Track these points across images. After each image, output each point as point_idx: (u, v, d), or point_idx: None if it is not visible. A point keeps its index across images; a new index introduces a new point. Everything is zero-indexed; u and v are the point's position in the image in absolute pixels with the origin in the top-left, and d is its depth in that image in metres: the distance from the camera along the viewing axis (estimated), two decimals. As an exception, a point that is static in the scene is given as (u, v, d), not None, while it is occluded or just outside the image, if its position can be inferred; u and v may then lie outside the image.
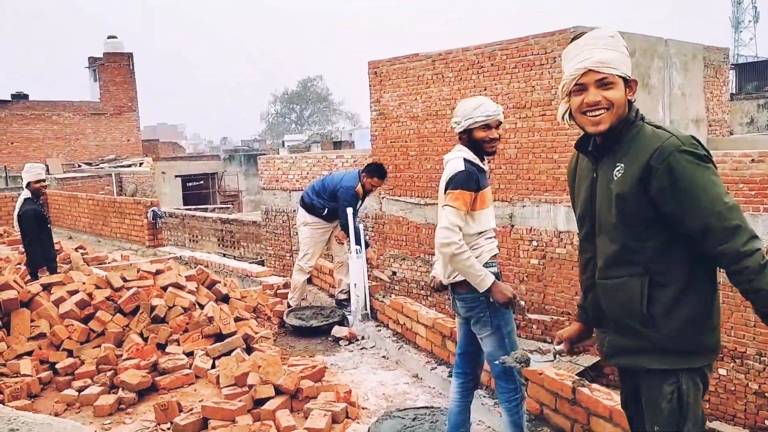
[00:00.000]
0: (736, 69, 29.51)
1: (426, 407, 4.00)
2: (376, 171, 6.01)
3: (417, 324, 5.11)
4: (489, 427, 3.92)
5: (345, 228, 5.99)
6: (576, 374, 9.41)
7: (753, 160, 8.23)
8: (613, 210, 2.08)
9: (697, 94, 13.06)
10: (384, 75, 13.42)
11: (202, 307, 5.68)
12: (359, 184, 6.02)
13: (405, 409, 3.95)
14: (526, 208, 11.01)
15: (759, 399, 8.42)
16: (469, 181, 3.13)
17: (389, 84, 13.32)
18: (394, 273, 13.58)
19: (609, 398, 3.23)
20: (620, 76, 2.06)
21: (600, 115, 2.06)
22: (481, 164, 3.24)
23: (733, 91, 26.06)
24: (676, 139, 1.97)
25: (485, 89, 11.44)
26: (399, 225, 13.38)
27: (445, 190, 3.15)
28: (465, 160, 3.18)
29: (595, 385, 3.43)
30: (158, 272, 6.09)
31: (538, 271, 10.95)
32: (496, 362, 3.03)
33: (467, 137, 3.25)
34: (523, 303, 3.39)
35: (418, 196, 12.85)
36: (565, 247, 10.52)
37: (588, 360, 10.25)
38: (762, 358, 8.32)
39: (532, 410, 3.75)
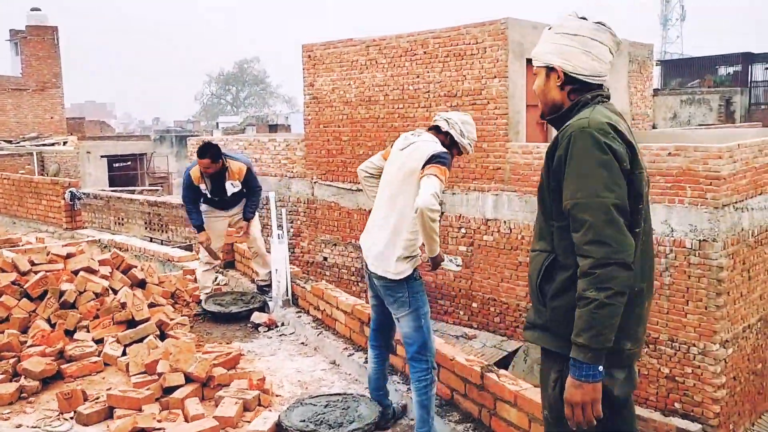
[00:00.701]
0: (662, 65, 30.67)
1: (339, 394, 3.98)
2: (197, 150, 5.64)
3: (336, 310, 5.08)
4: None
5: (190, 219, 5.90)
6: (499, 360, 9.62)
7: (669, 154, 8.55)
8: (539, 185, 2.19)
9: (621, 89, 13.48)
10: (318, 59, 13.26)
11: (115, 292, 5.48)
12: (195, 166, 5.72)
13: (317, 396, 3.93)
14: (456, 195, 11.12)
15: (669, 383, 8.82)
16: (450, 165, 3.33)
17: (323, 68, 13.18)
18: (325, 258, 13.52)
19: (514, 383, 3.29)
20: (541, 66, 2.19)
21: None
22: None
23: (658, 87, 27.09)
24: (587, 120, 2.00)
25: (418, 77, 11.46)
26: (331, 210, 13.30)
27: (430, 162, 3.22)
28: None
29: (502, 371, 3.48)
30: (69, 256, 5.82)
31: (466, 258, 11.10)
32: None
33: (448, 143, 3.43)
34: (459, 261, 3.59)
35: (350, 182, 12.79)
36: (492, 235, 10.70)
37: (512, 345, 10.50)
38: (673, 344, 8.71)
39: (443, 395, 3.78)
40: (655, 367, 8.96)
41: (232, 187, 5.82)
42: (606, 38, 2.12)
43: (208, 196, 5.85)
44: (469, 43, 10.63)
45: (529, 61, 10.56)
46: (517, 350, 10.45)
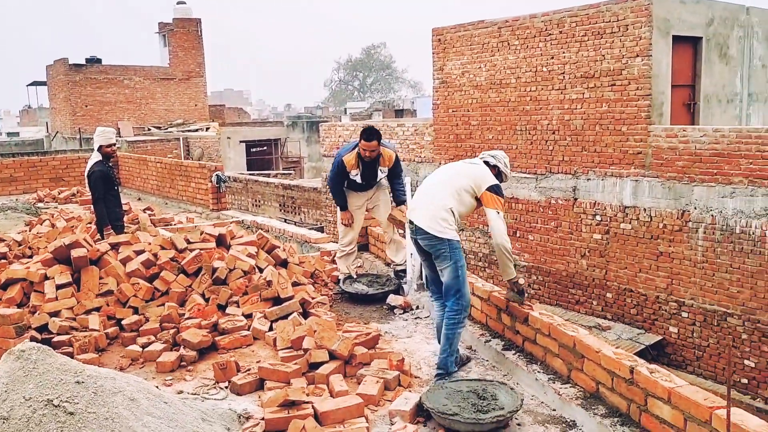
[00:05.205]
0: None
1: (478, 379, 3.98)
2: (362, 133, 5.71)
3: (472, 296, 5.06)
4: (542, 402, 3.88)
5: (336, 201, 6.22)
6: (635, 353, 9.18)
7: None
8: None
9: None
10: (448, 42, 13.19)
11: (261, 270, 5.80)
12: (350, 153, 5.84)
13: (457, 381, 3.94)
14: (591, 181, 10.71)
15: None
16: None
17: (453, 52, 13.09)
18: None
19: (668, 380, 3.13)
20: None
21: None
22: None
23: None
24: None
25: (552, 57, 11.10)
26: (459, 195, 13.25)
27: (491, 191, 4.26)
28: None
29: (653, 366, 3.33)
30: (220, 235, 6.23)
31: (601, 246, 10.68)
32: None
33: (495, 173, 4.40)
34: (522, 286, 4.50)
35: (479, 167, 12.66)
36: (630, 223, 10.21)
37: (649, 338, 10.01)
38: None
39: (587, 388, 3.68)
40: None
41: (380, 173, 5.99)
42: None
43: (358, 181, 5.98)
44: (609, 21, 10.12)
45: (675, 38, 9.91)
46: (654, 344, 9.95)
